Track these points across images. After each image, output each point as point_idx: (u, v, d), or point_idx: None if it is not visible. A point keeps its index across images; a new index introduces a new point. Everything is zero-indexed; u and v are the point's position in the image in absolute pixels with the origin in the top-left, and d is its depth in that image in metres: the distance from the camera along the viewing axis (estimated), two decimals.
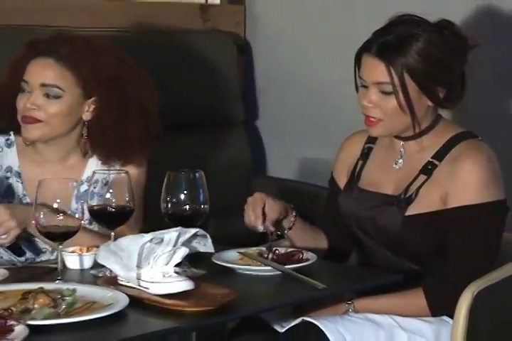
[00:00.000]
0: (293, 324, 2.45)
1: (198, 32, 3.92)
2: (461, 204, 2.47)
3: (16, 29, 3.25)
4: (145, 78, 2.69)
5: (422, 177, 2.53)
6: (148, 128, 2.65)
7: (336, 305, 2.51)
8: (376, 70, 2.47)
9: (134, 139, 2.63)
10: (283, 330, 2.47)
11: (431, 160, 2.54)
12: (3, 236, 2.39)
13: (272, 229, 2.52)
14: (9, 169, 2.65)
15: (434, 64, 2.46)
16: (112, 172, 2.39)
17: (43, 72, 2.56)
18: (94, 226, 2.58)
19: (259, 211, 2.51)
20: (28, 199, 2.60)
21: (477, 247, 2.47)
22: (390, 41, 2.45)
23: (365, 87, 2.50)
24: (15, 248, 2.43)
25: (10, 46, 2.71)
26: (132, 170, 2.62)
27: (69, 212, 2.21)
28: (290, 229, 2.62)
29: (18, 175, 2.64)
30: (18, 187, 2.64)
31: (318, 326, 2.40)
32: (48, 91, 2.55)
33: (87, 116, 2.60)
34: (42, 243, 2.58)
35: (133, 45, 3.45)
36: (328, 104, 3.72)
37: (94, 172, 2.37)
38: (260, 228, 2.50)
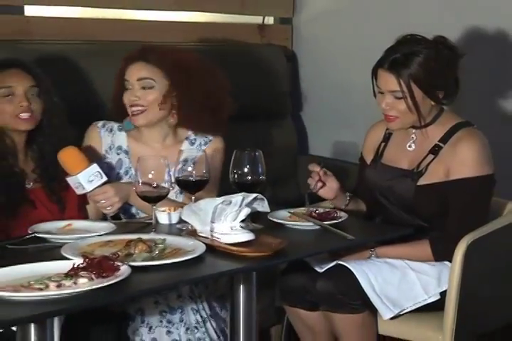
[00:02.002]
0: (329, 266, 2.46)
1: (256, 45, 3.89)
2: (460, 177, 2.45)
3: (122, 44, 3.24)
4: (216, 70, 2.64)
5: (430, 157, 2.51)
6: (220, 108, 2.61)
7: (362, 251, 2.51)
8: (389, 81, 2.44)
9: (210, 114, 2.60)
10: (322, 271, 2.47)
11: (437, 143, 2.52)
12: (108, 208, 2.39)
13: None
14: (119, 147, 2.63)
15: (433, 73, 2.43)
16: (196, 151, 2.38)
17: (138, 71, 2.54)
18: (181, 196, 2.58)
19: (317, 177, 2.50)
20: (133, 171, 2.58)
21: (471, 209, 2.45)
22: (398, 58, 2.43)
23: (382, 93, 2.48)
24: (116, 217, 2.42)
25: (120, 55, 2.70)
26: (216, 145, 2.63)
27: (162, 182, 2.19)
28: (346, 205, 2.59)
29: (126, 152, 2.63)
30: (126, 162, 2.62)
31: (348, 267, 2.41)
32: (144, 84, 2.52)
33: (174, 101, 2.56)
34: (136, 210, 2.57)
35: (207, 56, 3.43)
36: (356, 100, 3.68)
37: (180, 151, 2.36)
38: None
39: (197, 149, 2.55)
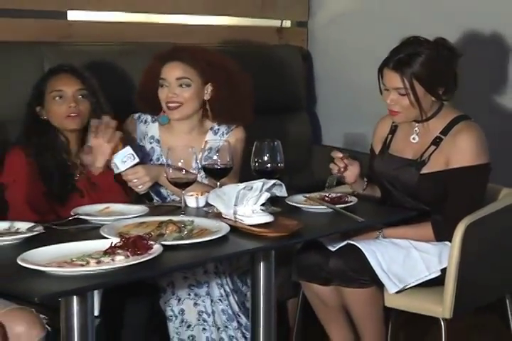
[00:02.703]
0: (341, 245, 2.45)
1: (275, 46, 3.88)
2: (459, 166, 2.43)
3: (153, 45, 3.23)
4: (240, 68, 2.64)
5: (432, 147, 2.50)
6: (248, 101, 2.62)
7: (370, 232, 2.50)
8: (393, 79, 2.43)
9: (239, 107, 2.61)
10: (334, 249, 2.46)
11: (439, 135, 2.50)
12: (139, 187, 2.40)
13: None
14: (152, 137, 2.65)
15: (434, 72, 2.41)
16: (219, 141, 2.37)
17: (175, 70, 2.53)
18: (205, 180, 2.56)
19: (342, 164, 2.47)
20: (163, 158, 2.58)
21: (469, 194, 2.44)
22: (402, 58, 2.41)
23: (387, 90, 2.47)
24: (147, 196, 2.43)
25: (149, 55, 2.70)
26: (238, 134, 2.61)
27: (190, 169, 2.19)
28: (364, 190, 2.57)
29: (158, 141, 2.64)
30: (157, 150, 2.64)
31: (358, 246, 2.40)
32: (182, 82, 2.53)
33: (207, 96, 2.57)
34: (166, 191, 2.57)
35: (230, 56, 3.42)
36: (364, 96, 3.64)
37: (205, 142, 2.35)
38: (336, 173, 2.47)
39: (219, 138, 2.55)
